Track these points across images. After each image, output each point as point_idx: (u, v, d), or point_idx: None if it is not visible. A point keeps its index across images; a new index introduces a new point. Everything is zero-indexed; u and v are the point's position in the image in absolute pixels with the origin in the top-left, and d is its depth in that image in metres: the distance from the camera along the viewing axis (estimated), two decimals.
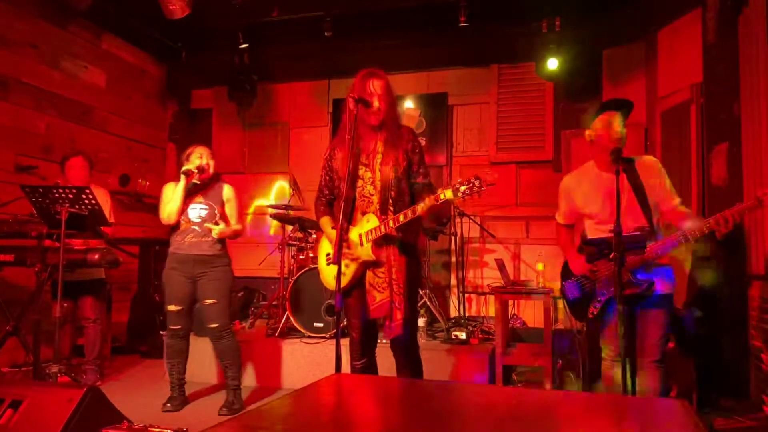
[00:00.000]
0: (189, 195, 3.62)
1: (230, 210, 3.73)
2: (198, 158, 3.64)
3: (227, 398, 3.73)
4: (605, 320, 2.85)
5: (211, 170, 3.71)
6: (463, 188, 2.42)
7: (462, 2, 5.24)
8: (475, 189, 2.41)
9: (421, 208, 2.53)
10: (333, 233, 2.77)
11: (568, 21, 5.22)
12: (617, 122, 2.69)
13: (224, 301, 3.66)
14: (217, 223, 3.63)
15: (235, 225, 3.72)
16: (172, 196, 3.60)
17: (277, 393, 4.12)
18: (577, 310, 2.91)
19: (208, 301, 3.61)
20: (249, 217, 6.69)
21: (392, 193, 2.69)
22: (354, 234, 2.72)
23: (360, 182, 2.74)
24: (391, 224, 2.60)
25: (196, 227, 3.62)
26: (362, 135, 2.76)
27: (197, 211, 3.62)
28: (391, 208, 2.67)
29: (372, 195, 2.71)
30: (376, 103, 2.67)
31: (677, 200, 2.73)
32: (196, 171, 3.58)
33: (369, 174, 2.73)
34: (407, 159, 2.74)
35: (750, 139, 3.74)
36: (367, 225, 2.69)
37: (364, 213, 2.72)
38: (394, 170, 2.69)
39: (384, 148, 2.72)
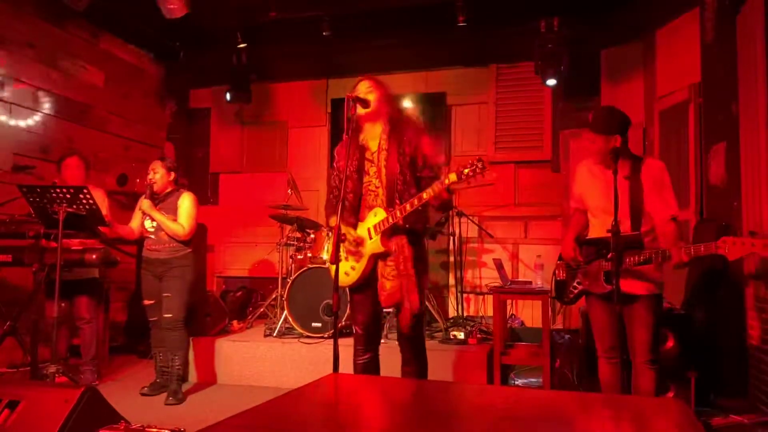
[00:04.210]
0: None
1: (180, 213, 4.00)
2: (151, 172, 4.03)
3: (171, 388, 3.95)
4: (591, 318, 2.92)
5: (169, 180, 4.04)
6: (466, 171, 2.45)
7: (460, 2, 5.24)
8: (478, 170, 2.43)
9: (427, 194, 2.54)
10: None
11: (566, 21, 5.22)
12: (599, 145, 2.71)
13: (179, 297, 3.97)
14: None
15: (175, 224, 3.96)
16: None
17: (274, 393, 4.11)
18: (559, 291, 3.09)
19: (165, 295, 3.97)
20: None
21: (398, 185, 2.71)
22: (362, 230, 2.74)
23: (366, 178, 2.79)
24: (398, 214, 2.61)
25: (152, 235, 4.02)
26: (367, 133, 2.80)
27: (150, 221, 4.03)
28: (398, 201, 2.68)
29: (378, 188, 2.75)
30: (371, 101, 2.72)
31: (670, 213, 2.70)
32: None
33: (374, 169, 2.77)
34: (412, 153, 2.75)
35: (748, 138, 3.73)
36: (374, 218, 2.70)
37: (371, 207, 2.75)
38: (398, 162, 2.72)
39: (388, 144, 2.75)
